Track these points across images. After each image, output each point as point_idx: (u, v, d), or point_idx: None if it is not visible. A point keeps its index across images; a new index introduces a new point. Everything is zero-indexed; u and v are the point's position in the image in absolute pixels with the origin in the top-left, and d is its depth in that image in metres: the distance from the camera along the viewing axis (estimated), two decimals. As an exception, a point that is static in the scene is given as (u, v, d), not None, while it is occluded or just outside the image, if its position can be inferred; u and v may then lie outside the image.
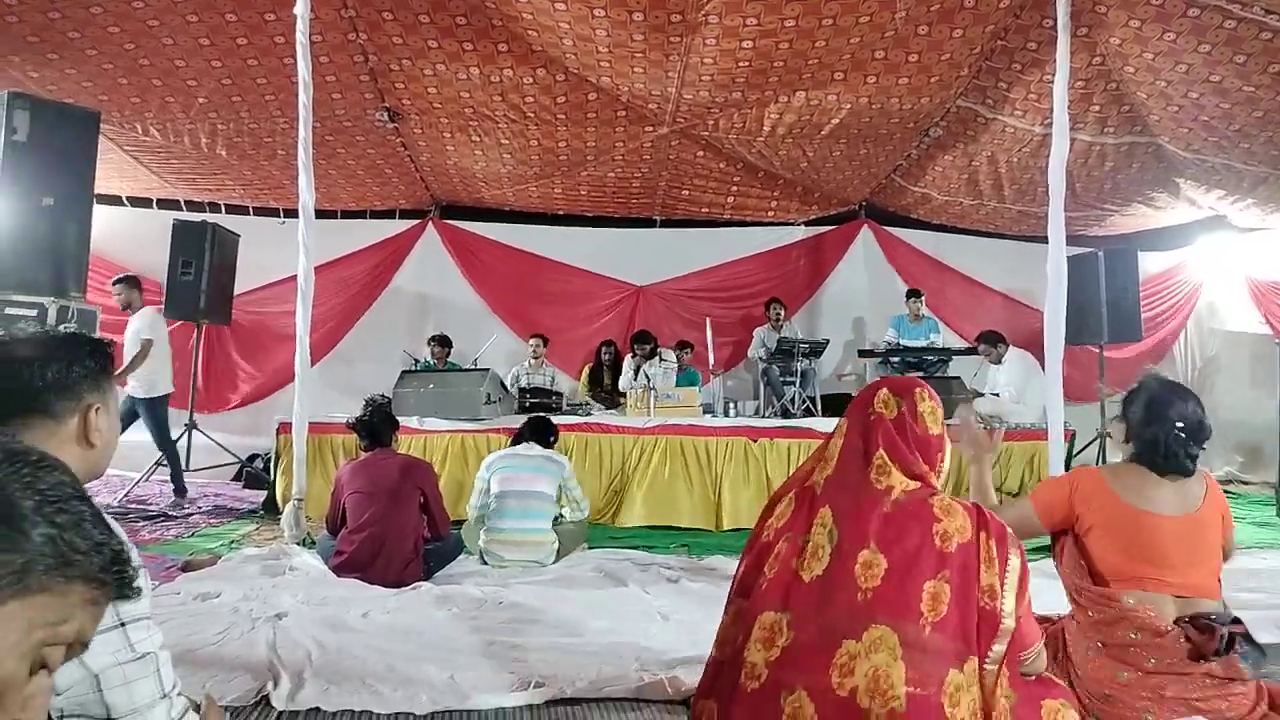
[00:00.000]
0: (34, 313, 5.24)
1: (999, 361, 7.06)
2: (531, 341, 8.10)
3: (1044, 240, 5.06)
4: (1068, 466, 5.76)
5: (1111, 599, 2.20)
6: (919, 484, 1.85)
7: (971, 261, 8.99)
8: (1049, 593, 2.52)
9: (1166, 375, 2.50)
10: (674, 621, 3.42)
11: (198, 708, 1.55)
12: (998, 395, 6.84)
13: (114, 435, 1.55)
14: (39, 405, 1.42)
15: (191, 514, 5.84)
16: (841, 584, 1.74)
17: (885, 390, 1.96)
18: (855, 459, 1.89)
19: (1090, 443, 7.50)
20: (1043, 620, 2.29)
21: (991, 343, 7.05)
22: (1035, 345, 7.20)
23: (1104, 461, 7.39)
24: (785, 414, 6.93)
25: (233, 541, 4.98)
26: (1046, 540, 2.48)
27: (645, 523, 5.74)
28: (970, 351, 7.42)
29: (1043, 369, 6.34)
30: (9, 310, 5.21)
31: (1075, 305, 5.52)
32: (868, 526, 1.78)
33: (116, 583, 0.80)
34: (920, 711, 1.61)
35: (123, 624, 1.32)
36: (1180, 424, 2.26)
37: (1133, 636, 2.15)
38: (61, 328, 1.43)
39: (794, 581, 1.80)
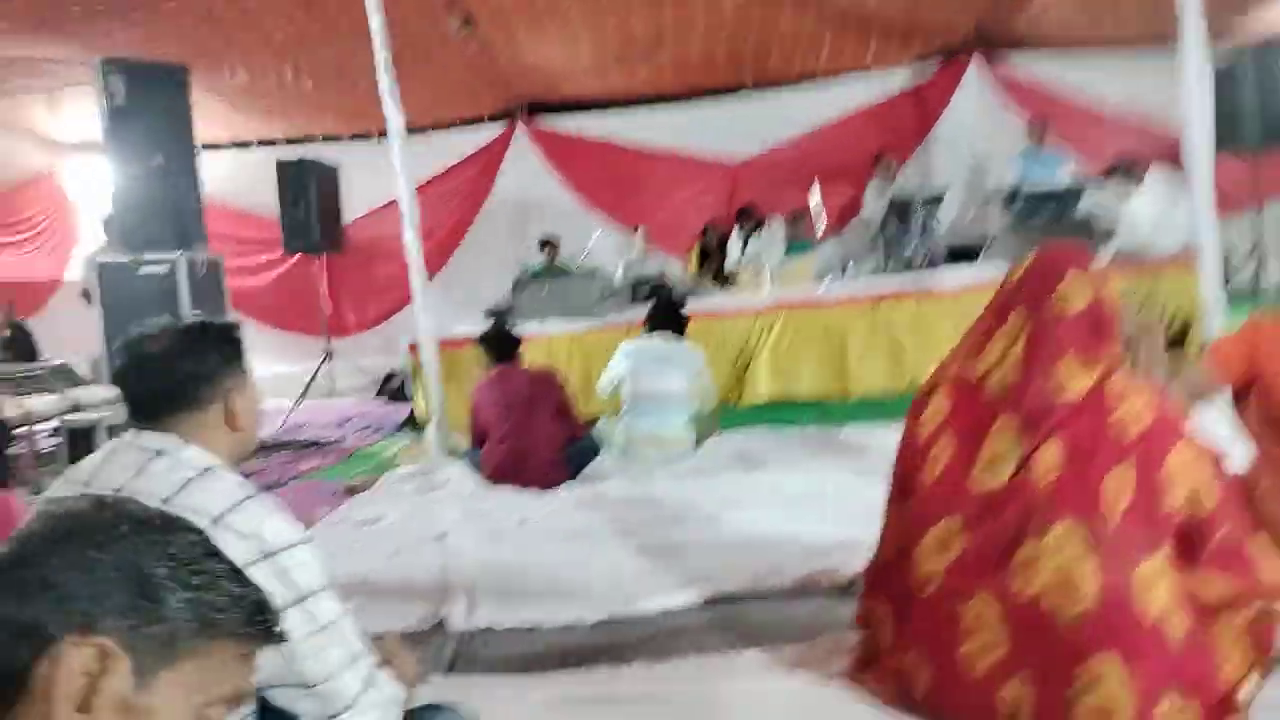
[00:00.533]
0: (165, 269, 5.48)
1: (1138, 186, 6.52)
2: (639, 232, 7.99)
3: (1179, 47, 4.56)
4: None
5: None
6: (1101, 370, 1.71)
7: (1098, 82, 8.14)
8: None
9: None
10: (820, 502, 3.41)
11: (386, 656, 1.60)
12: (1139, 226, 6.35)
13: (256, 412, 1.58)
14: (183, 400, 1.45)
15: (343, 438, 6.17)
16: (1020, 485, 1.66)
17: (1071, 276, 1.78)
18: (1040, 366, 1.74)
19: (1244, 260, 6.93)
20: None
21: (1127, 169, 6.50)
22: (1176, 163, 6.62)
23: (1260, 282, 6.85)
24: (907, 270, 6.65)
25: (388, 460, 5.24)
26: None
27: (773, 398, 5.70)
28: (1104, 180, 6.86)
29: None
30: (144, 270, 5.47)
31: (1219, 112, 4.97)
32: (1050, 424, 1.67)
33: (262, 633, 0.80)
34: (1114, 607, 1.54)
35: (303, 599, 1.36)
36: None
37: None
38: (188, 318, 1.45)
39: (964, 487, 1.72)
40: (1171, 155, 6.81)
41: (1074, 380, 1.71)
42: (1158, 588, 1.57)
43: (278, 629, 0.82)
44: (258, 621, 0.79)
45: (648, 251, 7.98)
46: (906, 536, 1.80)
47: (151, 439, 1.42)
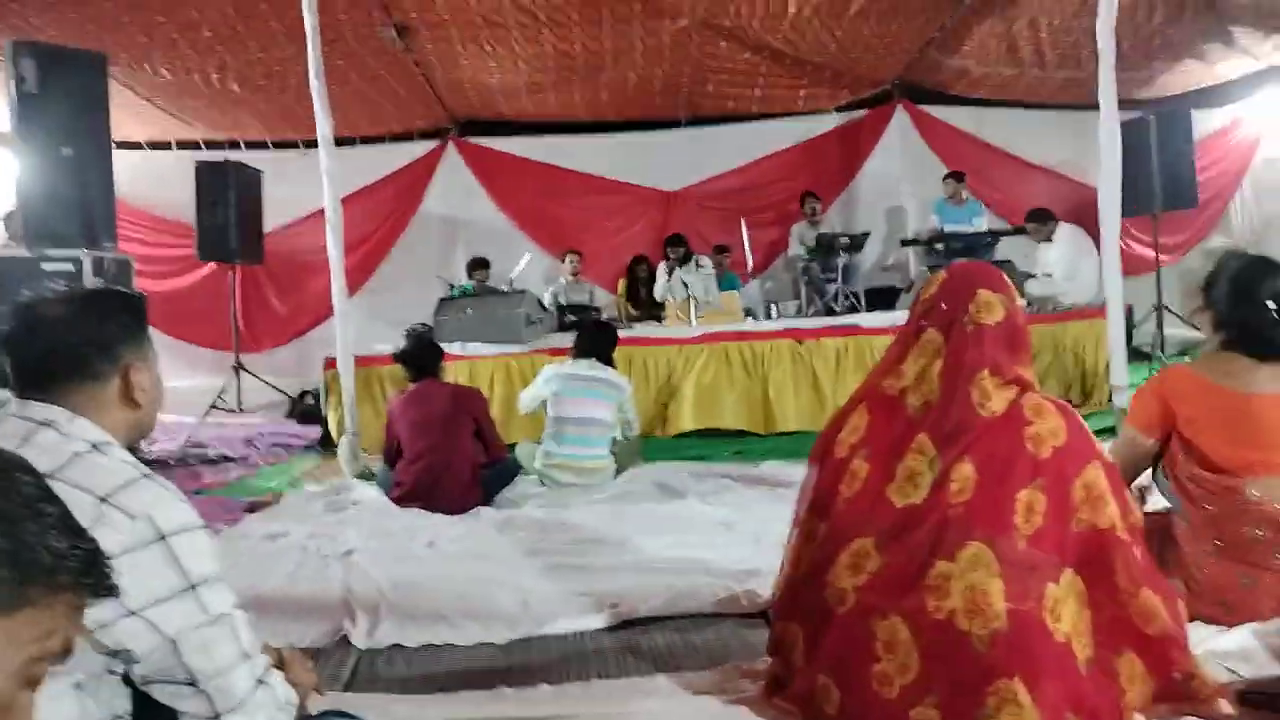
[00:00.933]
0: (70, 266, 5.18)
1: (1049, 239, 6.82)
2: (569, 258, 7.96)
3: (1091, 107, 4.80)
4: (1128, 342, 5.58)
5: (1233, 490, 2.08)
6: (1016, 389, 1.74)
7: (1015, 136, 8.55)
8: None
9: (1245, 250, 2.34)
10: (738, 532, 3.41)
11: (281, 663, 1.52)
12: (1049, 276, 6.62)
13: (158, 391, 1.48)
14: (77, 370, 1.36)
15: (249, 455, 5.92)
16: (934, 504, 1.66)
17: (984, 291, 1.81)
18: (961, 383, 1.76)
19: (1146, 317, 7.29)
20: (1150, 515, 2.20)
21: (1041, 220, 6.79)
22: (1084, 220, 6.94)
23: (1162, 337, 7.20)
24: (829, 311, 6.80)
25: (293, 479, 5.05)
26: None
27: (695, 430, 5.72)
28: (1019, 231, 7.15)
29: (1095, 244, 6.12)
30: (45, 265, 5.17)
31: (1126, 173, 5.26)
32: (965, 441, 1.68)
33: (94, 585, 0.76)
34: (1023, 628, 1.55)
35: (193, 587, 1.28)
36: (1272, 303, 2.12)
37: (1257, 533, 2.04)
38: (90, 283, 1.37)
39: (881, 504, 1.72)
40: (1080, 210, 7.16)
41: (990, 398, 1.73)
42: (1064, 610, 1.59)
43: (111, 582, 0.78)
44: (94, 573, 0.76)
45: (577, 279, 7.96)
46: (821, 555, 1.78)
47: (38, 410, 1.32)
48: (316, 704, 1.57)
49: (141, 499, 1.24)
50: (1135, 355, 6.22)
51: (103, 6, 5.75)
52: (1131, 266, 7.35)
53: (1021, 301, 1.88)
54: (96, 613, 1.19)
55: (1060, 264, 6.65)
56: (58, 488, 1.20)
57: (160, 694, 1.31)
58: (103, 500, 1.21)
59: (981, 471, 1.66)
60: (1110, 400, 4.96)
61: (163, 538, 1.24)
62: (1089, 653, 1.65)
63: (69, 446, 1.27)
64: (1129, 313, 6.20)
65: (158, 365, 1.49)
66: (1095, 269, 6.32)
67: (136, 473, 1.28)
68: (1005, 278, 1.88)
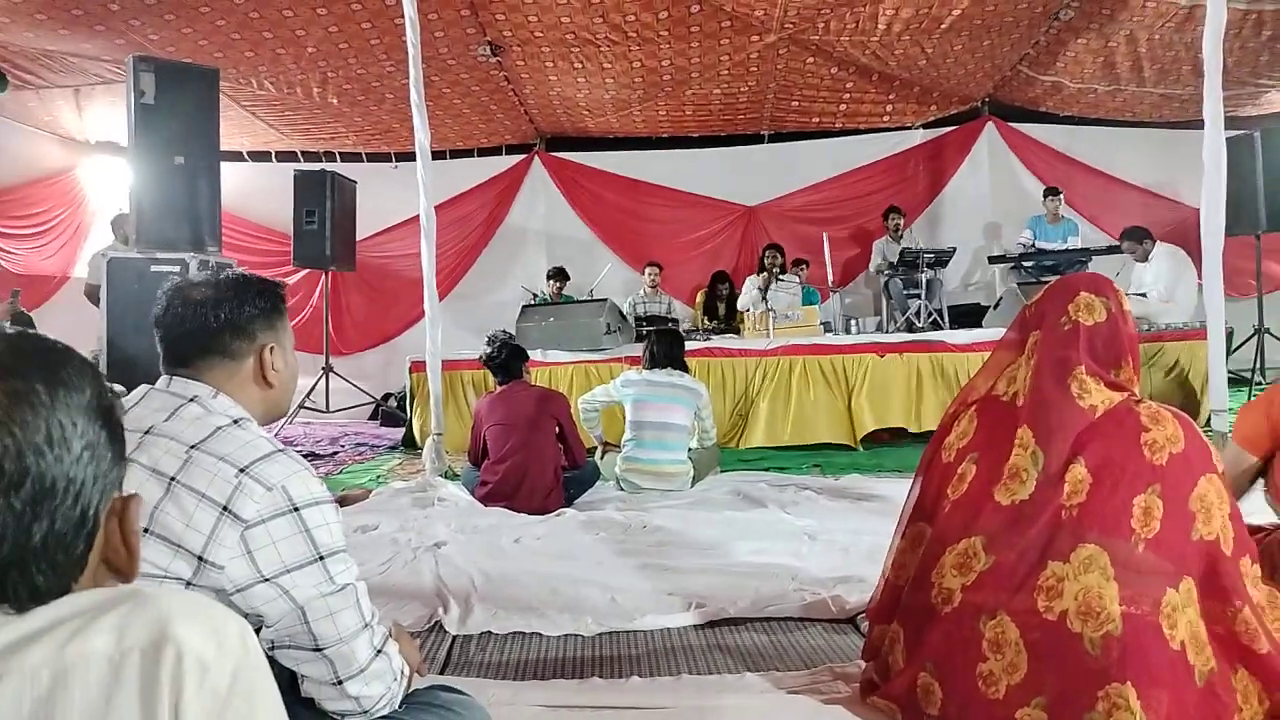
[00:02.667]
0: (177, 269, 5.46)
1: (1145, 259, 6.60)
2: (648, 270, 8.03)
3: (1188, 125, 4.67)
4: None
5: None
6: (1123, 394, 1.71)
7: (1108, 154, 8.35)
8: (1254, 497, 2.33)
9: None
10: (822, 541, 3.37)
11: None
12: (1144, 295, 6.41)
13: (291, 374, 1.56)
14: (216, 346, 1.44)
15: (337, 452, 6.11)
16: (1046, 503, 1.63)
17: (1086, 293, 1.77)
18: (1053, 375, 1.73)
19: (1247, 339, 7.00)
20: (1254, 530, 2.12)
21: (1137, 239, 6.58)
22: (1180, 240, 6.72)
23: (1262, 359, 6.90)
24: (910, 328, 6.69)
25: (379, 476, 5.19)
26: None
27: (773, 444, 5.70)
28: (1114, 250, 6.95)
29: (1193, 264, 5.91)
30: (154, 268, 5.46)
31: (1229, 192, 5.06)
32: (1073, 442, 1.65)
33: None
34: (1138, 633, 1.51)
35: (322, 558, 1.34)
36: None
37: None
38: (229, 271, 1.44)
39: (987, 504, 1.70)
40: (1175, 230, 6.92)
41: (1090, 392, 1.70)
42: (1180, 619, 1.54)
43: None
44: None
45: (656, 291, 8.03)
46: (927, 557, 1.77)
47: (184, 386, 1.41)
48: (417, 681, 1.62)
49: (277, 471, 1.31)
50: (1233, 380, 5.97)
51: (215, 24, 6.06)
52: (1232, 288, 7.11)
53: (1130, 310, 1.84)
54: (233, 576, 1.26)
55: (1158, 284, 6.44)
56: (202, 459, 1.29)
57: (285, 659, 1.37)
58: (242, 471, 1.29)
59: (1096, 475, 1.62)
60: (1209, 423, 4.78)
61: (295, 509, 1.30)
62: (1212, 665, 1.59)
63: (212, 420, 1.36)
64: (1228, 335, 5.97)
65: (293, 350, 1.57)
66: (1193, 289, 6.11)
67: (272, 447, 1.35)
68: (1114, 285, 1.84)
